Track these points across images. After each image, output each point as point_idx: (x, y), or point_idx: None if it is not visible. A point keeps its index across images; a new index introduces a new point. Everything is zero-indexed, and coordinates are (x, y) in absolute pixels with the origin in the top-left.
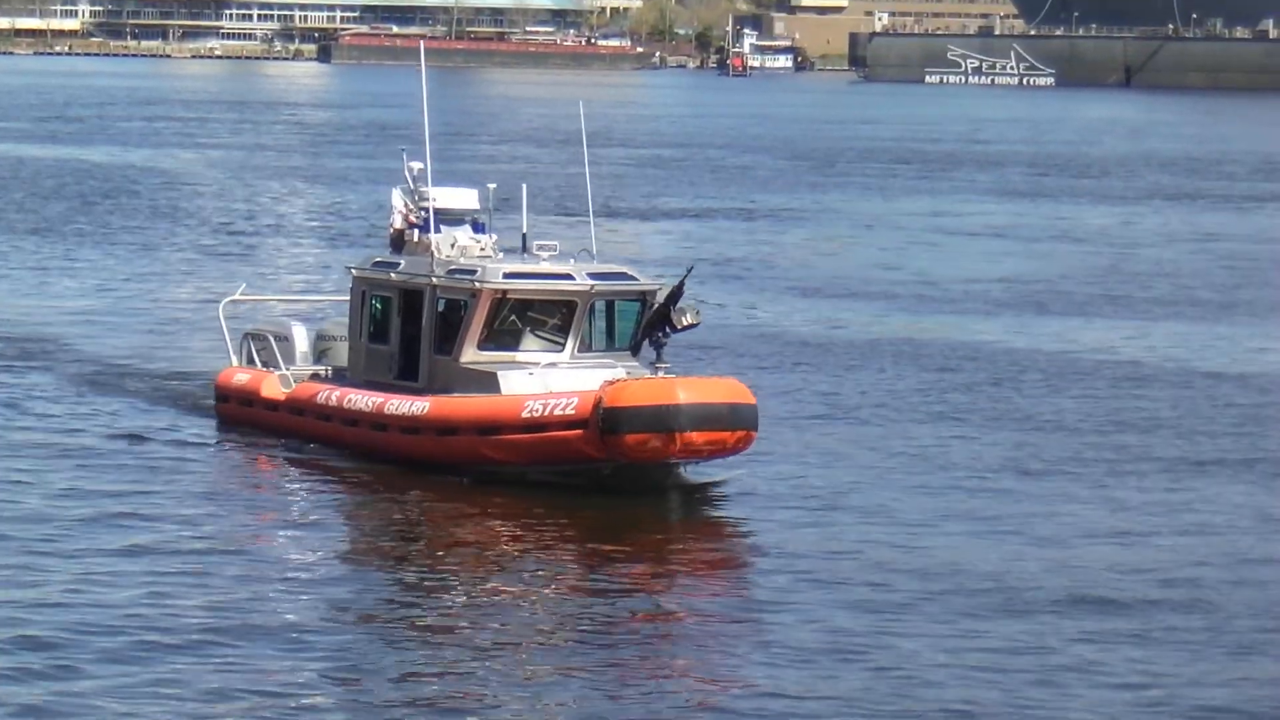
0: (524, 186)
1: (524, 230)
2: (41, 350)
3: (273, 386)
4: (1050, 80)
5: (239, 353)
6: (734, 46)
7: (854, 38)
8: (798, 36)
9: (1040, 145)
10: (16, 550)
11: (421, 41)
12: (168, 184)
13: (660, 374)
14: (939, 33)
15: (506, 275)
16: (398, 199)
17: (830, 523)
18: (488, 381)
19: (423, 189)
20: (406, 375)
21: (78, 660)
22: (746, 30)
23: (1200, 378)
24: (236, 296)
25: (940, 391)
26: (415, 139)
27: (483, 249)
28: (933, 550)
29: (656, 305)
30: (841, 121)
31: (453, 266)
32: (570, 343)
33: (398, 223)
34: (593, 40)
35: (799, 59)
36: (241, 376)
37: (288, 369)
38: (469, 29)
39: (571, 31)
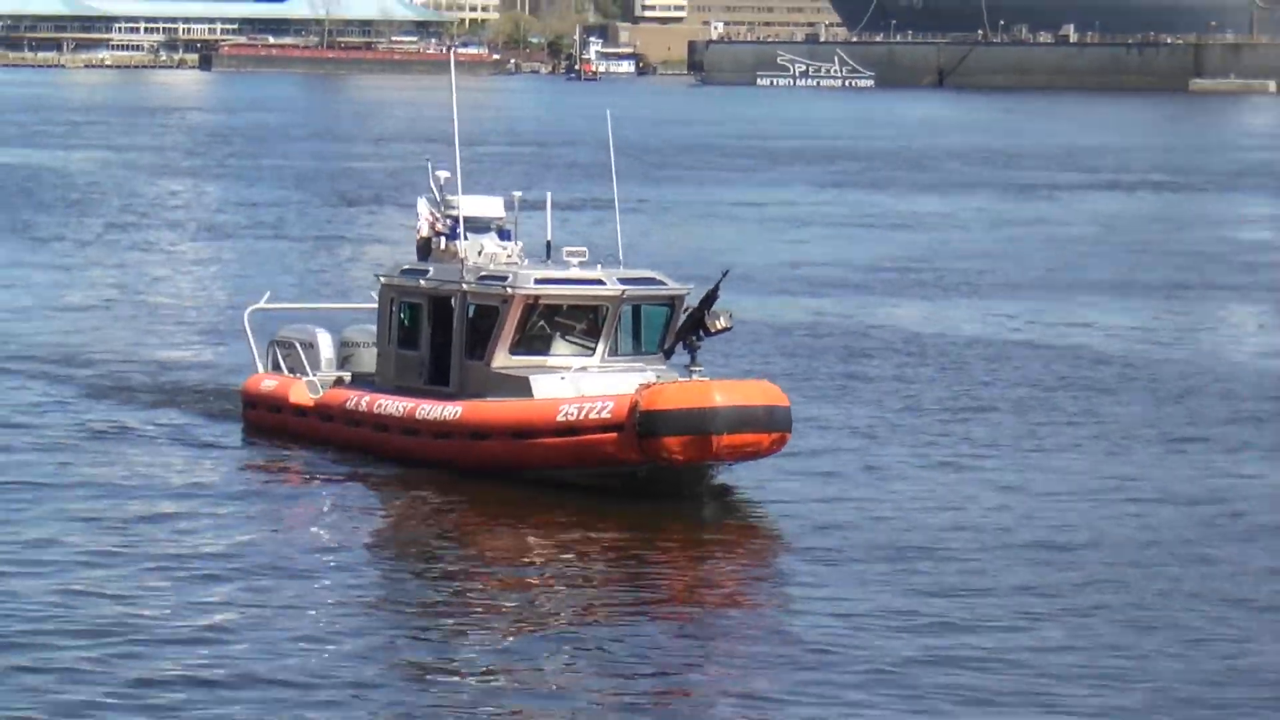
0: (549, 195)
1: (548, 237)
2: (51, 358)
3: (300, 393)
4: (870, 82)
5: (265, 359)
6: (582, 54)
7: (692, 45)
8: (640, 44)
9: (864, 141)
10: (40, 559)
11: (453, 50)
12: (96, 185)
13: (695, 377)
14: (770, 40)
15: (538, 281)
16: (424, 207)
17: (859, 514)
18: (520, 386)
19: (449, 197)
20: (437, 380)
21: (106, 667)
22: (593, 39)
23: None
24: (261, 305)
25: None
26: (293, 139)
27: (510, 256)
28: (972, 543)
29: (690, 309)
30: (684, 121)
31: (483, 273)
32: (600, 347)
33: (424, 230)
34: (452, 49)
35: (641, 64)
36: (268, 383)
37: (314, 375)
38: (339, 39)
39: (433, 41)
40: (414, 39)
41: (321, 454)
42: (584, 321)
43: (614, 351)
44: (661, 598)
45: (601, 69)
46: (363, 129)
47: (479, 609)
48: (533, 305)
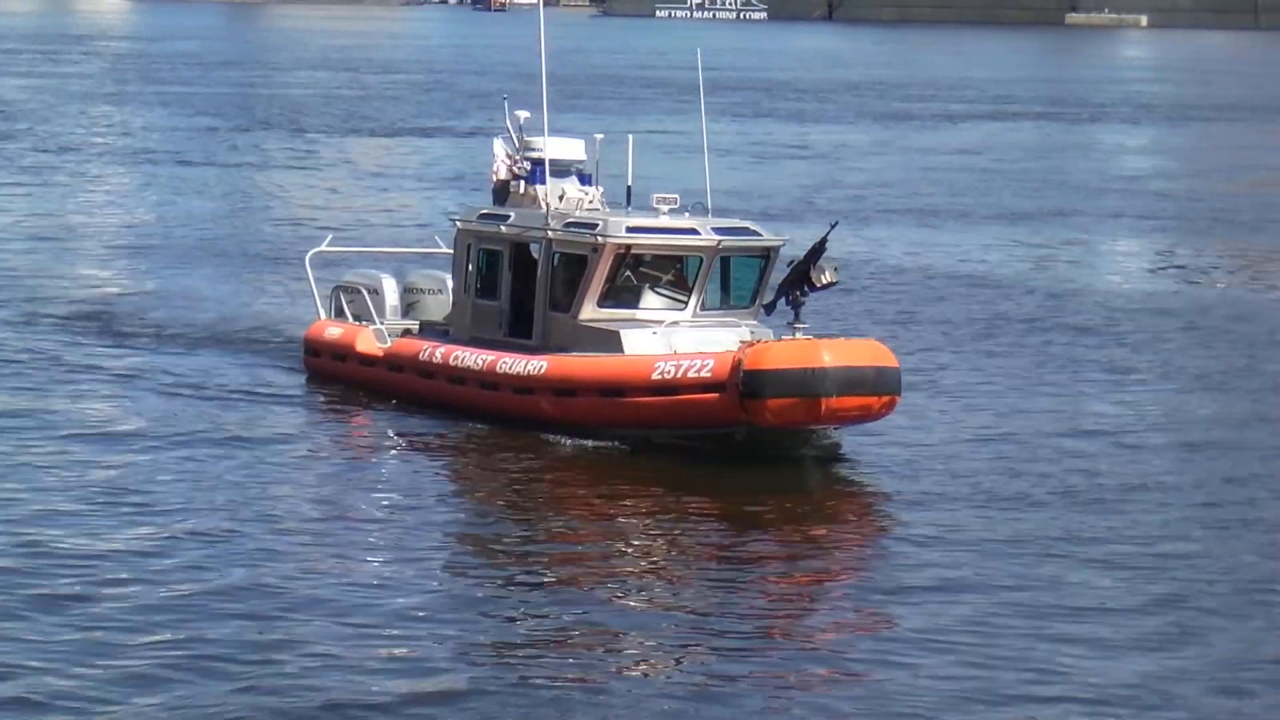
0: (630, 138)
1: (629, 182)
2: (100, 301)
3: (368, 341)
4: (763, 14)
5: (328, 305)
6: None
7: None
8: None
9: (760, 72)
10: (102, 505)
11: None
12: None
13: (798, 335)
14: None
15: (630, 229)
16: (499, 148)
17: (960, 482)
18: (609, 340)
19: (529, 139)
20: (518, 332)
21: (175, 616)
22: None
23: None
24: (323, 248)
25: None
26: (212, 66)
27: (591, 201)
28: (1082, 515)
29: (794, 262)
30: (586, 51)
31: (569, 220)
32: (693, 300)
33: (501, 173)
34: None
35: None
36: (334, 330)
37: (381, 323)
38: None
39: None
40: None
41: (391, 406)
42: (671, 272)
43: (704, 305)
44: (758, 573)
45: (508, 1)
46: (282, 56)
47: (558, 578)
48: (623, 255)
